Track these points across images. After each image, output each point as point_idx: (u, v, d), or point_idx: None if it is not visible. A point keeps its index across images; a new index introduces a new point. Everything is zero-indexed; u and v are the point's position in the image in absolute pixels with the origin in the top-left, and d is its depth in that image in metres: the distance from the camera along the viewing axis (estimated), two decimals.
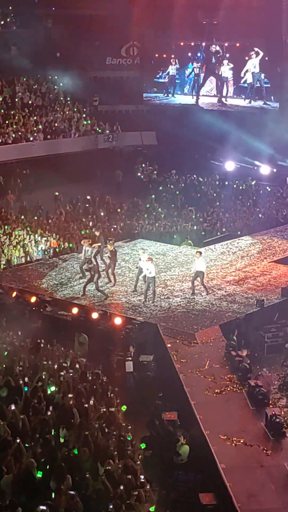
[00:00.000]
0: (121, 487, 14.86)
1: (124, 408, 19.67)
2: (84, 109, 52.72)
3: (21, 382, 19.05)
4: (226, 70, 50.01)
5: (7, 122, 47.03)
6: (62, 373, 19.97)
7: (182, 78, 52.47)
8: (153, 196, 43.56)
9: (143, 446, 18.42)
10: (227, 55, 49.89)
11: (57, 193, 42.54)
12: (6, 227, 35.52)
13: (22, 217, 37.83)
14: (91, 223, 37.14)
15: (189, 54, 51.89)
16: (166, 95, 52.95)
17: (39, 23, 54.13)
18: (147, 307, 26.00)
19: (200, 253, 27.62)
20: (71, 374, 20.16)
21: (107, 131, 51.52)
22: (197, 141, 46.70)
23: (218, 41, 50.07)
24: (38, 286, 28.40)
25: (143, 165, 49.72)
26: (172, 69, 52.15)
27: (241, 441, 17.85)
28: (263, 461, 17.12)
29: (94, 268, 27.12)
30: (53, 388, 19.22)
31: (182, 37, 51.24)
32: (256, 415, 19.17)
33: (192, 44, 51.63)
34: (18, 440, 15.71)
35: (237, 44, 49.86)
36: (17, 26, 53.62)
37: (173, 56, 51.95)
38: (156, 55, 53.70)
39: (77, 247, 32.68)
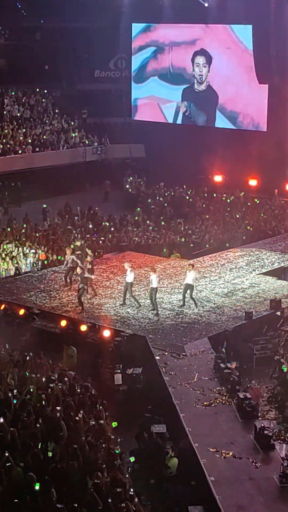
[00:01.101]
0: (110, 500, 14.81)
1: (115, 424, 19.59)
2: (73, 122, 52.82)
3: (10, 395, 18.97)
4: None
5: None
6: (50, 386, 19.91)
7: None
8: (139, 209, 43.59)
9: (132, 459, 18.37)
10: None
11: (45, 205, 42.50)
12: None
13: (9, 229, 37.75)
14: (79, 235, 37.11)
15: None
16: None
17: (27, 36, 54.30)
18: (136, 319, 26.02)
19: (192, 265, 27.65)
20: (60, 387, 20.10)
21: (96, 144, 51.62)
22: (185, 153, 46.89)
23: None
24: (27, 299, 28.34)
25: (131, 178, 49.79)
26: None
27: (230, 454, 17.82)
28: (252, 474, 17.09)
29: (82, 279, 27.14)
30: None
31: None
32: (245, 427, 19.15)
33: None
34: (6, 454, 15.64)
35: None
36: (6, 39, 53.71)
37: None
38: None
39: (65, 260, 32.68)
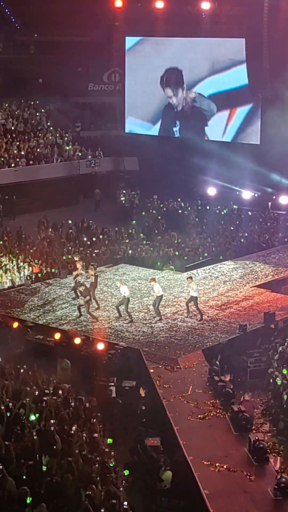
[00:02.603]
0: None
1: (110, 440, 19.54)
2: (67, 135, 52.89)
3: (3, 407, 18.92)
4: None
5: None
6: (45, 399, 19.86)
7: None
8: (134, 221, 43.62)
9: (126, 472, 18.32)
10: None
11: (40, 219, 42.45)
12: None
13: (1, 242, 37.68)
14: (73, 248, 37.10)
15: None
16: None
17: (21, 49, 54.42)
18: (130, 332, 26.02)
19: (191, 278, 27.82)
20: (54, 400, 20.05)
21: (89, 157, 51.70)
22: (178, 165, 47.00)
23: None
24: (21, 312, 28.30)
25: (125, 191, 49.83)
26: None
27: (225, 467, 17.80)
28: (246, 487, 17.07)
29: (85, 291, 27.22)
30: (33, 417, 19.07)
31: None
32: (240, 440, 19.13)
33: None
34: (0, 467, 15.59)
35: None
36: (0, 52, 53.83)
37: None
38: None
39: (59, 273, 32.64)
